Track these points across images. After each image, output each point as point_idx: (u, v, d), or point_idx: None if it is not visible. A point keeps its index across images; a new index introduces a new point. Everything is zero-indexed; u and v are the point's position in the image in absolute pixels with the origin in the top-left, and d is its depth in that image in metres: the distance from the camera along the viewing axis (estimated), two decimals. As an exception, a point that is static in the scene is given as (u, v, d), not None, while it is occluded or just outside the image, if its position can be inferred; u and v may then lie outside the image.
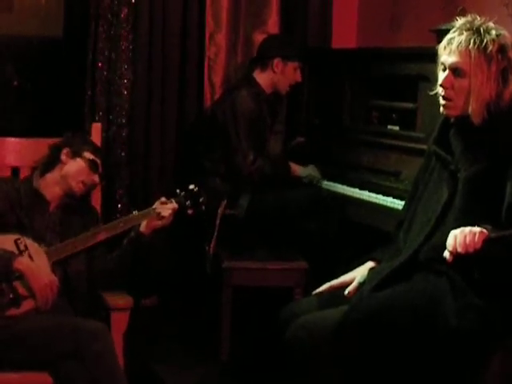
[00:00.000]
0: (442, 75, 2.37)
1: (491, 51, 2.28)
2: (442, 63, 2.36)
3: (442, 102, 2.38)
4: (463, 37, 2.30)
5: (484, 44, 2.28)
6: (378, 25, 4.30)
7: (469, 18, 2.36)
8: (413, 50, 3.45)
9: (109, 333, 2.62)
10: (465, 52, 2.29)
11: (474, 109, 2.30)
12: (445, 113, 2.39)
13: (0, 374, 2.54)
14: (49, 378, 2.54)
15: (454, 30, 2.35)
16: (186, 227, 3.52)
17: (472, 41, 2.29)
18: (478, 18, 2.35)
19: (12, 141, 3.15)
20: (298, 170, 3.79)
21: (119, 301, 2.81)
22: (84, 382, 2.49)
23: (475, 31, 2.30)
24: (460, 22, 2.36)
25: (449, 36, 2.35)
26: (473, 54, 2.28)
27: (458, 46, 2.30)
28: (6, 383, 2.56)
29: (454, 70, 2.32)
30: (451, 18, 3.26)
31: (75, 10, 3.90)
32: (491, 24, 2.34)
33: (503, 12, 3.34)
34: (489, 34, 2.30)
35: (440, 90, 2.37)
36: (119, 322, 2.78)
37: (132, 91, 3.80)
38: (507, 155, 2.28)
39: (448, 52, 2.33)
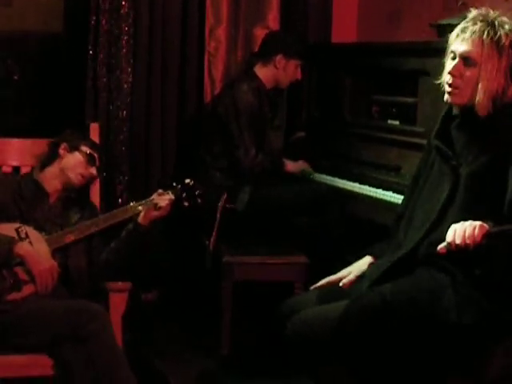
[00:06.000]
0: (450, 63, 2.34)
1: (504, 44, 2.27)
2: (453, 51, 2.33)
3: (447, 89, 2.34)
4: (477, 27, 2.28)
5: (498, 36, 2.26)
6: (378, 19, 4.30)
7: (483, 10, 2.34)
8: (413, 44, 3.45)
9: (107, 314, 2.66)
10: (478, 41, 2.28)
11: (480, 100, 2.28)
12: (449, 100, 2.36)
13: (0, 356, 2.58)
14: (49, 360, 2.57)
15: (467, 20, 2.33)
16: (186, 221, 3.52)
17: (486, 31, 2.27)
18: (492, 12, 2.33)
19: (14, 141, 3.23)
20: (290, 166, 3.81)
21: (117, 283, 2.83)
22: (83, 363, 2.51)
23: (490, 23, 2.29)
24: (474, 13, 2.34)
25: (462, 25, 2.33)
26: (485, 45, 2.27)
27: (471, 35, 2.28)
28: (6, 366, 2.59)
29: (465, 59, 2.30)
30: (451, 12, 3.25)
31: (75, 4, 3.90)
32: (505, 19, 2.32)
33: (504, 6, 3.33)
34: (503, 27, 2.29)
35: (447, 78, 2.34)
36: (117, 304, 2.80)
37: (132, 86, 3.80)
38: (509, 151, 2.27)
39: (460, 40, 2.31)
